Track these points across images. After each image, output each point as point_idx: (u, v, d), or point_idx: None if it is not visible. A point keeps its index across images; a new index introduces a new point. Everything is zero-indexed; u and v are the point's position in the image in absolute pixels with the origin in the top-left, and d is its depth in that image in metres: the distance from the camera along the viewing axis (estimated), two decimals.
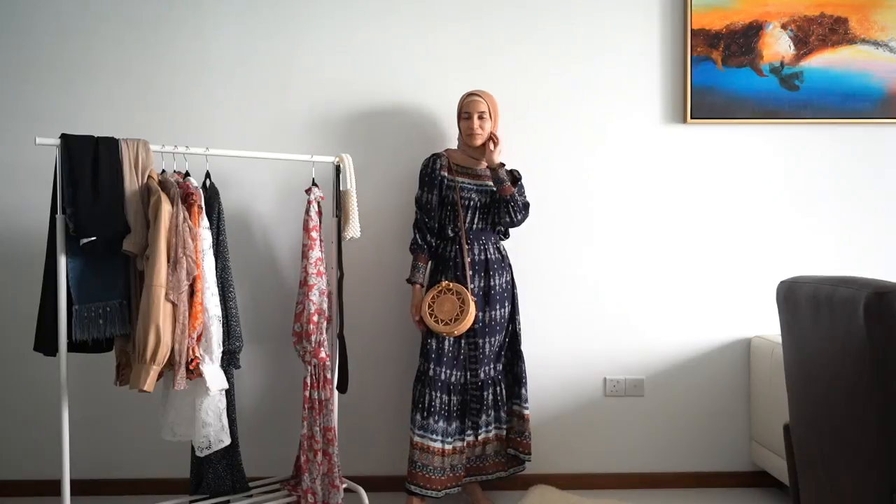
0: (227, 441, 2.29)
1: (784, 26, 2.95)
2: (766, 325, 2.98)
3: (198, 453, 2.28)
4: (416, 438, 2.57)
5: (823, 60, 2.96)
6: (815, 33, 2.96)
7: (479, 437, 2.68)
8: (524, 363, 2.75)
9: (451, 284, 2.56)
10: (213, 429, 2.25)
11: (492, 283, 2.64)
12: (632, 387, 3.00)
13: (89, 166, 2.11)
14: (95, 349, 2.26)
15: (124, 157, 2.18)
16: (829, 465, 1.57)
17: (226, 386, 2.27)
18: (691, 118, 2.95)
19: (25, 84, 2.87)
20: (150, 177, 2.22)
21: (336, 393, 2.64)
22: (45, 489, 2.84)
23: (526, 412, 2.72)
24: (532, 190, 2.91)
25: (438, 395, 2.58)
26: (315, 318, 2.50)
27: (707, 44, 2.94)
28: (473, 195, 2.65)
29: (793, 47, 2.96)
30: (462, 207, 2.63)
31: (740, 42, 2.94)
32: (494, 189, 2.64)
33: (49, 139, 2.10)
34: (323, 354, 2.51)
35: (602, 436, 3.00)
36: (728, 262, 3.01)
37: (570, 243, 2.98)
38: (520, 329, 2.77)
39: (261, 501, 2.57)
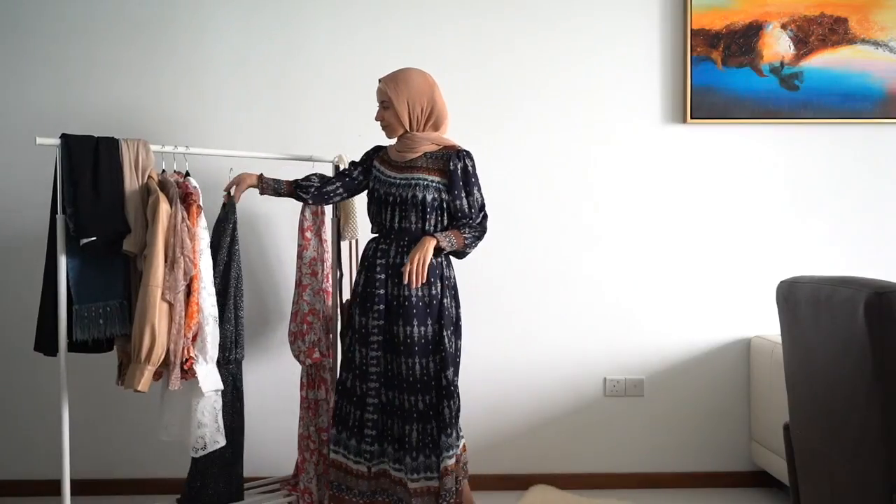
0: (223, 442, 2.28)
1: (784, 26, 2.95)
2: (766, 325, 2.98)
3: (192, 454, 2.26)
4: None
5: (823, 60, 2.96)
6: (814, 33, 2.96)
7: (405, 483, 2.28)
8: (456, 402, 2.25)
9: None
10: (209, 430, 2.23)
11: (406, 294, 2.26)
12: (632, 387, 2.99)
13: (89, 166, 2.11)
14: (96, 349, 2.25)
15: (124, 157, 2.18)
16: (829, 464, 1.57)
17: (220, 387, 2.26)
18: (691, 118, 2.95)
19: (25, 84, 2.87)
20: (149, 177, 2.22)
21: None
22: (45, 489, 2.83)
23: (450, 463, 2.23)
24: (530, 189, 2.93)
25: (350, 408, 2.38)
26: (309, 319, 2.50)
27: (707, 44, 2.94)
28: (393, 189, 2.34)
29: (793, 47, 2.96)
30: (384, 204, 2.36)
31: (740, 42, 2.94)
32: (417, 183, 2.31)
33: (49, 139, 2.09)
34: (317, 355, 2.51)
35: (602, 436, 3.00)
36: (728, 261, 3.01)
37: (569, 242, 2.98)
38: (457, 357, 2.31)
39: (260, 501, 2.57)
